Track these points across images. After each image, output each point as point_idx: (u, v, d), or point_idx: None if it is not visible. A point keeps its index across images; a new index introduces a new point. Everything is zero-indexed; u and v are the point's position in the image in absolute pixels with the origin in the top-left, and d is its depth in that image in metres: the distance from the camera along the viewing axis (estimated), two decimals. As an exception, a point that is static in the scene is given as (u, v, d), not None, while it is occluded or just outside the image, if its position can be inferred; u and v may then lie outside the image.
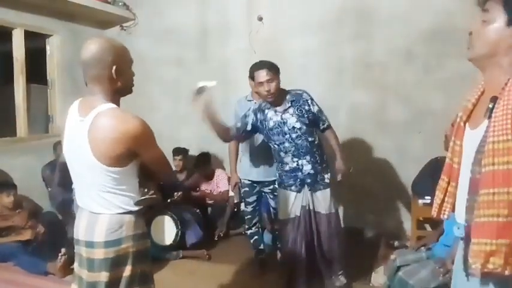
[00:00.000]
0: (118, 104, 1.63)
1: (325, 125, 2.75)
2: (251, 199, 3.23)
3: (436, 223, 2.59)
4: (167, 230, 3.52)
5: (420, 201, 3.38)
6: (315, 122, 2.68)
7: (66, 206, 3.80)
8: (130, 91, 1.70)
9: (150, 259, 1.81)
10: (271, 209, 3.26)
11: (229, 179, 3.71)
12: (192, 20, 4.80)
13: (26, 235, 3.38)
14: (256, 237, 3.31)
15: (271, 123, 2.63)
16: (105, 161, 1.55)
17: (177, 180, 4.02)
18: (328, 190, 2.70)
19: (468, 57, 1.21)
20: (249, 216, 3.28)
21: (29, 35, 4.41)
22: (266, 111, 2.66)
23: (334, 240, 2.73)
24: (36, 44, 4.62)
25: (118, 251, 1.64)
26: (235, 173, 3.30)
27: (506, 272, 1.04)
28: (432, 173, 3.45)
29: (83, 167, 1.63)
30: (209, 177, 4.26)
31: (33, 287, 3.07)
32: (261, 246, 3.34)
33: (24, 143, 4.25)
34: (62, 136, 1.70)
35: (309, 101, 2.65)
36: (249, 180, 3.21)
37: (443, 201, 1.29)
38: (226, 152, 3.50)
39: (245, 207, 3.30)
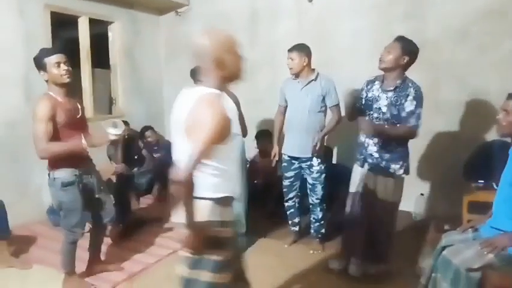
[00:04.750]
0: (223, 90, 1.68)
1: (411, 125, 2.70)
2: (289, 174, 3.34)
3: (488, 206, 2.56)
4: None
5: (472, 185, 3.33)
6: (399, 117, 2.69)
7: (129, 181, 4.15)
8: (238, 77, 1.75)
9: None
10: (307, 184, 3.32)
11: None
12: (242, 4, 4.89)
13: None
14: (292, 210, 3.44)
15: (370, 94, 2.79)
16: None
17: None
18: (391, 179, 2.72)
19: None
20: (286, 190, 3.40)
21: (92, 22, 4.71)
22: (375, 83, 2.79)
23: (384, 227, 2.78)
24: (98, 30, 4.94)
25: None
26: (276, 145, 3.42)
27: None
28: (485, 156, 3.36)
29: None
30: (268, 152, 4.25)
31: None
32: (296, 220, 3.48)
33: (90, 123, 4.60)
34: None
35: (410, 97, 2.68)
36: (288, 156, 3.31)
37: None
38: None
39: (283, 181, 3.40)
